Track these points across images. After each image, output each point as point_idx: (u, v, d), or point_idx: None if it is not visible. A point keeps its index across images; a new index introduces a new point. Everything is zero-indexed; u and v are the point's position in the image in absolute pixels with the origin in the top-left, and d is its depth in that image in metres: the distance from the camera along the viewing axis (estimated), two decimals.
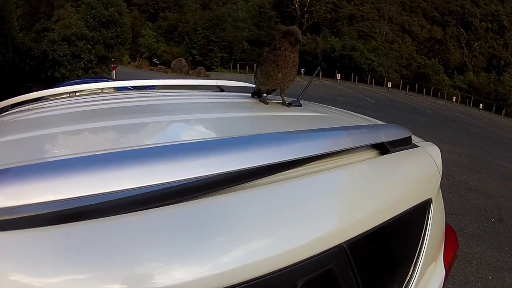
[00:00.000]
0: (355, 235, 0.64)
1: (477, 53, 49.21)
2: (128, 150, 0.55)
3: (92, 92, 1.85)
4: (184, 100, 1.28)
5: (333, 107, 1.49)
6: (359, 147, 0.80)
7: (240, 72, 32.69)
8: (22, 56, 14.85)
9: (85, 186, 0.44)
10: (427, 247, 0.87)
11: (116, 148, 0.67)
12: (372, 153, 0.87)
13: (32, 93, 1.56)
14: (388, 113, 16.43)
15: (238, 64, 34.97)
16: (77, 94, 1.71)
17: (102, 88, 2.00)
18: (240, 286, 0.48)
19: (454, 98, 36.20)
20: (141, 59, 36.53)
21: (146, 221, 0.48)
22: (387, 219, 0.73)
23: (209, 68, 34.28)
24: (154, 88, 2.04)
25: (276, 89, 1.26)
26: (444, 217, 1.07)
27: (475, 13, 50.98)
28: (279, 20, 41.20)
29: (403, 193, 0.83)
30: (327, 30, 43.11)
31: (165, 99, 1.32)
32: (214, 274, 0.46)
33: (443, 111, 24.57)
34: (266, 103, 1.23)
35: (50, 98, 1.63)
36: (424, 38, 47.65)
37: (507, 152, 12.43)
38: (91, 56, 16.80)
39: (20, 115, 1.19)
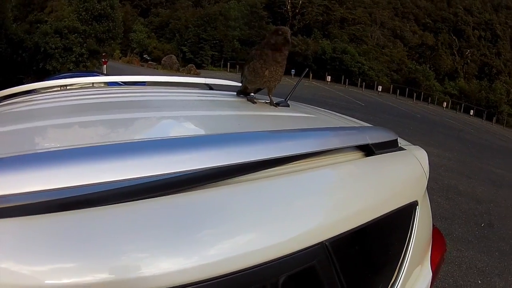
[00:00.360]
0: (338, 233, 0.65)
1: (469, 60, 49.56)
2: (115, 143, 0.54)
3: (82, 86, 1.89)
4: (173, 97, 1.29)
5: (321, 109, 1.49)
6: (344, 147, 0.81)
7: (230, 71, 32.63)
8: (15, 48, 14.76)
9: (71, 177, 0.44)
10: (412, 249, 0.88)
11: (103, 142, 0.65)
12: (357, 154, 0.87)
13: (23, 86, 1.55)
14: (377, 117, 16.47)
15: (228, 63, 34.94)
16: (68, 87, 1.73)
17: (93, 83, 2.02)
18: (223, 278, 0.49)
19: (445, 103, 36.46)
20: (132, 55, 36.35)
21: (133, 212, 0.48)
22: (370, 219, 0.73)
23: (199, 66, 34.21)
24: (144, 84, 2.05)
25: (262, 89, 1.25)
26: (431, 220, 1.07)
27: (468, 21, 51.34)
28: (270, 20, 41.25)
29: (387, 195, 0.83)
30: (319, 32, 43.24)
31: (154, 96, 1.32)
32: (198, 266, 0.47)
33: (433, 116, 24.70)
34: (254, 102, 1.21)
35: (41, 91, 1.65)
36: (415, 43, 47.88)
37: (497, 158, 12.49)
38: (83, 50, 16.74)
39: (10, 107, 1.19)
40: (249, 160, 0.57)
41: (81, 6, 18.28)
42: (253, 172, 0.60)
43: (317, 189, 0.71)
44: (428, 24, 50.19)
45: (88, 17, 18.20)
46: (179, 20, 39.33)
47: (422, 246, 0.95)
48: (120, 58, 33.81)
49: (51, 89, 1.69)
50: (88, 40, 17.22)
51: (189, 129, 0.92)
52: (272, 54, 1.12)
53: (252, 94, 1.26)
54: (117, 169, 0.46)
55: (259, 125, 1.01)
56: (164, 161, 0.50)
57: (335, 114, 1.41)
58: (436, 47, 47.92)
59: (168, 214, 0.50)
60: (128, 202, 0.49)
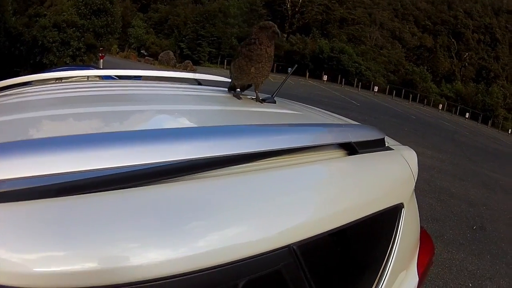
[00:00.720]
0: (312, 235, 0.62)
1: (466, 63, 49.69)
2: (106, 133, 0.54)
3: (77, 80, 1.91)
4: (162, 91, 1.28)
5: (308, 106, 1.46)
6: (324, 145, 0.77)
7: (227, 68, 32.28)
8: (13, 41, 14.64)
9: (60, 164, 0.44)
10: (397, 253, 0.85)
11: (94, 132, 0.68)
12: (340, 152, 0.84)
13: (18, 78, 1.53)
14: (372, 117, 16.36)
15: (225, 60, 34.68)
16: (63, 80, 1.76)
17: (88, 76, 2.02)
18: (186, 276, 0.48)
19: (440, 105, 36.63)
20: (129, 50, 36.06)
21: (124, 200, 0.48)
22: (349, 221, 0.70)
23: (196, 63, 33.94)
24: (140, 79, 2.07)
25: (251, 85, 1.23)
26: (418, 223, 1.03)
27: (468, 25, 51.42)
28: (269, 18, 40.73)
29: (369, 196, 0.79)
30: (317, 31, 43.20)
31: (145, 90, 1.31)
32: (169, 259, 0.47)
33: (428, 118, 24.69)
34: (239, 98, 1.19)
35: (36, 83, 1.65)
36: (414, 45, 47.94)
37: (491, 161, 12.49)
38: (80, 44, 16.58)
39: (5, 98, 1.18)
40: (219, 154, 0.55)
41: (81, 0, 18.07)
42: (222, 167, 0.59)
43: (294, 187, 0.66)
44: (428, 26, 50.22)
45: (87, 12, 17.95)
46: (178, 17, 39.03)
47: (407, 250, 0.92)
48: (117, 53, 33.59)
49: (46, 81, 1.72)
50: (86, 34, 17.03)
51: (174, 122, 0.91)
52: (260, 49, 1.09)
53: (239, 90, 1.23)
54: (106, 157, 0.47)
55: (241, 121, 0.98)
56: (152, 150, 0.50)
57: (322, 112, 1.38)
58: (434, 49, 48.00)
59: (155, 204, 0.50)
60: (116, 190, 0.49)
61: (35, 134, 0.77)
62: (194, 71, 28.66)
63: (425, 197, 5.74)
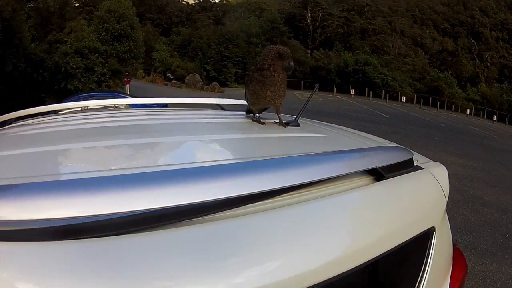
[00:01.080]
0: (334, 275, 0.59)
1: (488, 64, 48.75)
2: (143, 172, 0.54)
3: (104, 108, 1.89)
4: (187, 120, 1.29)
5: (333, 125, 1.45)
6: (348, 174, 0.73)
7: None
8: (35, 67, 14.85)
9: (99, 204, 0.45)
10: (427, 279, 0.78)
11: (129, 168, 0.71)
12: (366, 179, 0.79)
13: (46, 106, 1.55)
14: (402, 128, 16.32)
15: None
16: (89, 108, 1.76)
17: (115, 105, 2.01)
18: None
19: (468, 110, 35.80)
20: (155, 74, 36.45)
21: (160, 239, 0.48)
22: (373, 256, 0.65)
23: (223, 84, 34.09)
24: (166, 106, 2.03)
25: (268, 107, 1.22)
26: (451, 242, 0.97)
27: (485, 23, 50.62)
28: (292, 35, 41.19)
29: (397, 226, 0.73)
30: (340, 44, 42.94)
31: (171, 119, 1.32)
32: None
33: (457, 125, 24.29)
34: (261, 123, 1.19)
35: (62, 112, 1.69)
36: (436, 50, 47.26)
37: None
38: (104, 70, 16.84)
39: (31, 127, 1.22)
40: (236, 194, 0.53)
41: (101, 26, 18.41)
42: (240, 206, 0.56)
43: (315, 225, 0.61)
44: (447, 29, 49.54)
45: (109, 37, 18.30)
46: (201, 39, 39.32)
47: (439, 274, 0.86)
48: (143, 77, 34.00)
49: (72, 110, 1.73)
50: (109, 60, 17.32)
51: (201, 154, 0.92)
52: (273, 76, 1.08)
53: (258, 114, 1.22)
54: (142, 198, 0.47)
55: (264, 150, 0.96)
56: (187, 190, 0.51)
57: (348, 131, 1.35)
58: (456, 52, 47.22)
59: (195, 242, 0.49)
60: (152, 231, 0.49)
61: (70, 168, 0.77)
62: (221, 92, 28.97)
63: (459, 208, 5.64)
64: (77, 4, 40.60)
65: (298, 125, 1.19)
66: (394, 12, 47.23)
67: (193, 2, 50.60)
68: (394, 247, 0.68)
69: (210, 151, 0.93)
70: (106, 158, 0.83)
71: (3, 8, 12.27)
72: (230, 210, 0.55)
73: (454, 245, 0.98)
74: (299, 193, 0.65)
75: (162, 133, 1.06)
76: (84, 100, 8.36)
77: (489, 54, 48.85)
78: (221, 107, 1.70)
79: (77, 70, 15.73)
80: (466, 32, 49.87)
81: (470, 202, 6.11)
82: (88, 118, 1.33)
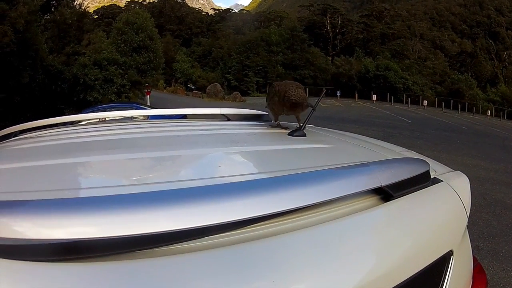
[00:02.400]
0: None
1: (507, 63, 47.94)
2: (162, 189, 0.52)
3: (122, 120, 1.86)
4: (187, 133, 1.25)
5: (342, 133, 1.37)
6: (345, 196, 0.60)
7: None
8: (53, 79, 14.88)
9: (134, 224, 0.43)
10: None
11: (132, 185, 0.68)
12: (370, 200, 0.67)
13: (63, 117, 1.54)
14: (424, 133, 15.90)
15: None
16: (106, 120, 1.74)
17: (133, 116, 1.99)
18: None
19: (489, 112, 35.24)
20: (176, 84, 36.61)
21: (189, 262, 0.46)
22: None
23: (245, 93, 34.03)
24: (185, 117, 2.02)
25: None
26: (472, 262, 0.83)
27: (501, 22, 49.85)
28: (312, 42, 40.97)
29: (406, 256, 0.61)
30: (360, 50, 42.59)
31: (189, 131, 1.28)
32: None
33: (478, 127, 23.68)
34: (283, 127, 1.23)
35: (80, 123, 1.66)
36: (455, 52, 46.59)
37: None
38: (124, 81, 16.79)
39: (48, 138, 1.19)
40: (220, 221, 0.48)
41: (119, 38, 18.29)
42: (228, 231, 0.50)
43: (311, 256, 0.52)
44: (465, 31, 48.87)
45: (128, 49, 18.17)
46: (222, 48, 39.51)
47: None
48: (164, 88, 34.14)
49: (88, 121, 1.71)
50: (129, 71, 17.23)
51: (199, 170, 0.86)
52: (289, 103, 1.13)
53: (278, 122, 1.27)
54: (163, 218, 0.45)
55: (265, 165, 0.90)
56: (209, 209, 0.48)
57: (358, 139, 1.24)
58: (475, 53, 46.50)
59: (226, 263, 0.47)
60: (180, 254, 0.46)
61: (90, 181, 0.76)
62: (243, 102, 28.93)
63: (481, 213, 5.42)
64: (95, 16, 41.36)
65: (304, 134, 1.13)
66: (413, 16, 46.77)
67: (213, 12, 50.90)
68: (403, 282, 0.57)
69: (201, 167, 0.88)
70: (113, 173, 0.81)
71: (16, 20, 12.20)
72: (204, 240, 0.49)
73: (475, 259, 0.87)
74: (287, 219, 0.56)
75: (166, 147, 1.01)
76: (100, 111, 8.29)
77: (506, 53, 48.07)
78: (226, 117, 1.64)
79: (96, 82, 15.75)
80: (483, 32, 49.18)
81: (492, 206, 5.90)
82: (90, 131, 1.30)
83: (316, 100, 1.19)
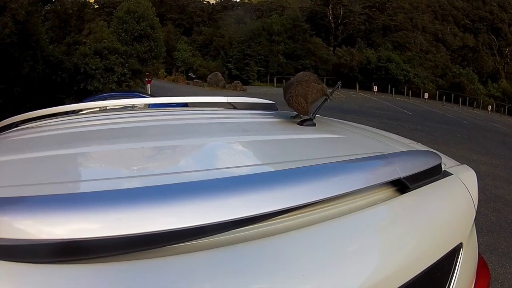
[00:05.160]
0: None
1: (508, 60, 47.38)
2: (166, 184, 0.49)
3: (123, 108, 1.81)
4: (192, 121, 1.20)
5: (351, 124, 1.32)
6: (364, 188, 0.59)
7: (277, 86, 31.75)
8: (53, 69, 14.67)
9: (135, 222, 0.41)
10: None
11: (131, 176, 0.67)
12: (386, 192, 0.67)
13: (63, 106, 1.49)
14: (425, 125, 15.94)
15: (275, 78, 34.01)
16: (107, 109, 1.71)
17: (133, 105, 1.95)
18: None
19: (489, 107, 34.99)
20: (177, 73, 36.01)
21: (190, 261, 0.44)
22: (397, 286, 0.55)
23: (246, 82, 33.42)
24: (186, 105, 1.95)
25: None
26: (477, 256, 0.84)
27: (504, 18, 49.11)
28: (313, 33, 40.17)
29: (423, 247, 0.62)
30: (362, 41, 41.90)
31: (190, 119, 1.24)
32: None
33: (479, 121, 23.90)
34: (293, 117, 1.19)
35: (80, 112, 1.66)
36: (457, 46, 45.92)
37: None
38: (125, 70, 16.45)
39: (48, 128, 1.17)
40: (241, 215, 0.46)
41: (120, 27, 18.00)
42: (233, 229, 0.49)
43: (325, 251, 0.51)
44: (468, 25, 48.06)
45: (128, 38, 17.90)
46: (223, 38, 38.76)
47: None
48: (165, 76, 33.62)
49: (90, 110, 1.68)
50: (129, 60, 16.91)
51: (207, 161, 0.83)
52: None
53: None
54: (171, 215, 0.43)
55: (274, 155, 0.87)
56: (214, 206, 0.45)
57: (366, 130, 1.22)
58: (477, 48, 45.81)
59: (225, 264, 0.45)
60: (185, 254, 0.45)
61: (92, 172, 0.74)
62: (244, 90, 28.38)
63: (481, 208, 5.33)
64: (96, 6, 40.56)
65: (314, 124, 1.09)
66: (415, 9, 45.82)
67: (214, 2, 50.06)
68: (418, 274, 0.57)
69: (210, 157, 0.85)
70: (111, 164, 0.78)
71: (17, 11, 12.02)
72: (220, 235, 0.48)
73: (479, 254, 0.85)
74: (307, 211, 0.55)
75: (172, 136, 0.97)
76: (101, 100, 7.98)
77: (508, 50, 47.43)
78: (233, 106, 1.55)
79: (97, 71, 15.45)
80: (486, 27, 48.42)
81: (491, 201, 5.93)
82: (91, 121, 1.26)
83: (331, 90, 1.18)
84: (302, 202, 0.50)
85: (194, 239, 0.46)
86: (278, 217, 0.50)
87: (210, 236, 0.46)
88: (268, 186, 0.50)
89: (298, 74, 1.14)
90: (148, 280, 0.40)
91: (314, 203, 0.52)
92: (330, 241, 0.51)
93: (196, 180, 0.51)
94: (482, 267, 0.87)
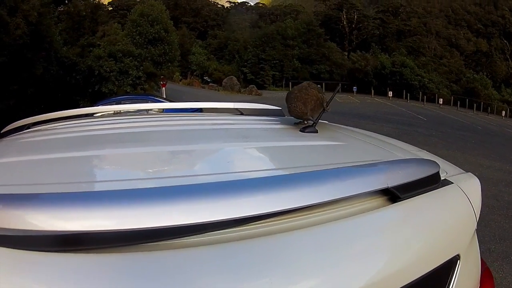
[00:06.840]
0: None
1: None
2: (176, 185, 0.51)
3: (137, 113, 1.84)
4: (205, 126, 1.24)
5: (354, 129, 1.32)
6: (350, 197, 0.59)
7: None
8: (68, 70, 14.57)
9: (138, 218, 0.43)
10: None
11: (137, 179, 0.69)
12: (377, 201, 0.65)
13: (78, 109, 1.51)
14: (439, 131, 15.65)
15: (290, 83, 33.81)
16: (121, 113, 1.76)
17: (148, 110, 1.97)
18: None
19: (503, 112, 34.44)
20: (192, 77, 35.83)
21: (189, 256, 0.46)
22: None
23: (261, 87, 33.28)
24: (201, 110, 1.92)
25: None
26: (479, 267, 0.81)
27: None
28: (328, 37, 40.04)
29: (408, 260, 0.59)
30: (376, 46, 41.68)
31: (203, 125, 1.27)
32: None
33: (493, 127, 23.40)
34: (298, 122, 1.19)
35: (95, 116, 1.65)
36: (471, 51, 45.49)
37: None
38: (139, 73, 16.35)
39: (62, 130, 1.20)
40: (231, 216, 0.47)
41: (135, 30, 17.90)
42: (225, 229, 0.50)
43: (311, 257, 0.51)
44: (480, 30, 47.59)
45: (143, 41, 17.79)
46: (238, 42, 38.69)
47: None
48: (180, 80, 33.44)
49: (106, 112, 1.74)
50: (144, 63, 16.77)
51: (211, 165, 0.85)
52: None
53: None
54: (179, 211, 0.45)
55: (276, 162, 0.89)
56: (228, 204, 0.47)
57: (370, 137, 1.19)
58: (490, 53, 45.33)
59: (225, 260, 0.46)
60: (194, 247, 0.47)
61: (104, 173, 0.77)
62: (259, 95, 28.19)
63: (493, 215, 5.24)
64: (110, 8, 40.58)
65: (316, 131, 1.08)
66: (428, 13, 45.58)
67: (229, 6, 49.93)
68: (407, 284, 0.55)
69: (209, 162, 0.87)
70: (116, 167, 0.81)
71: (29, 13, 11.83)
72: (205, 235, 0.50)
73: (483, 263, 0.81)
74: (293, 217, 0.55)
75: (179, 141, 1.00)
76: (116, 103, 8.24)
77: None
78: (240, 112, 1.55)
79: (111, 73, 15.35)
80: (498, 32, 47.92)
81: (505, 209, 5.67)
82: (104, 124, 1.29)
83: (331, 96, 1.18)
84: (288, 207, 0.50)
85: (195, 235, 0.47)
86: (263, 220, 0.51)
87: (205, 234, 0.48)
88: (255, 190, 0.50)
89: (301, 83, 1.15)
90: (152, 269, 0.42)
91: (300, 209, 0.52)
92: (310, 249, 0.50)
93: (195, 182, 0.52)
94: (486, 278, 0.82)
